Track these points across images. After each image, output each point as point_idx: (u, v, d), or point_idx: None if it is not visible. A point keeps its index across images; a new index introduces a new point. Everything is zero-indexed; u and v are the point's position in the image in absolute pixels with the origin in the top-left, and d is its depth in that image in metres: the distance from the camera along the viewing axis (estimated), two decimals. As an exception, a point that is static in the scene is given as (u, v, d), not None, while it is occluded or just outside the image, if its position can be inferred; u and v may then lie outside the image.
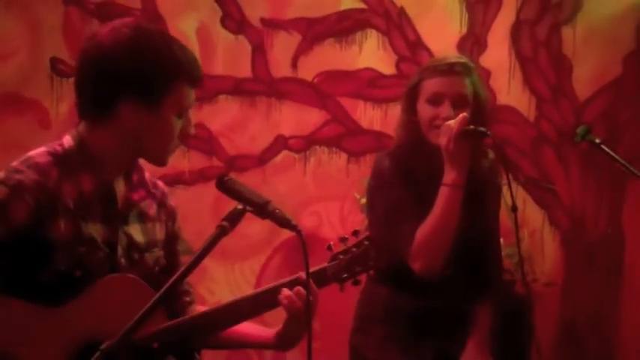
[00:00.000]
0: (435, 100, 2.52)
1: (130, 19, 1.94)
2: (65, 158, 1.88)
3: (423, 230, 2.47)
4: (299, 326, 1.93)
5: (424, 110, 2.54)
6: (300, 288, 1.90)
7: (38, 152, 1.88)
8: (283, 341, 1.99)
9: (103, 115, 1.87)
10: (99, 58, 1.85)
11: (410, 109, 2.58)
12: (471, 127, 2.40)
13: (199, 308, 2.10)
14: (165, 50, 1.85)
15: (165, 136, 1.90)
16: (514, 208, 2.37)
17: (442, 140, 2.42)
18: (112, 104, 1.85)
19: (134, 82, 1.83)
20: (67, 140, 1.91)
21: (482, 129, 2.40)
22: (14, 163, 1.85)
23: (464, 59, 2.62)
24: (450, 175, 2.44)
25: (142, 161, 2.02)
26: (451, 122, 2.41)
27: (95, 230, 1.88)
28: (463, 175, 2.44)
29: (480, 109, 2.54)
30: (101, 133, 1.89)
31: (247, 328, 2.03)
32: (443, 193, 2.45)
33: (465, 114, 2.41)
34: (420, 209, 2.48)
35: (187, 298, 2.12)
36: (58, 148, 1.89)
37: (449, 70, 2.52)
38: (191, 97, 1.91)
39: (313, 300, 1.88)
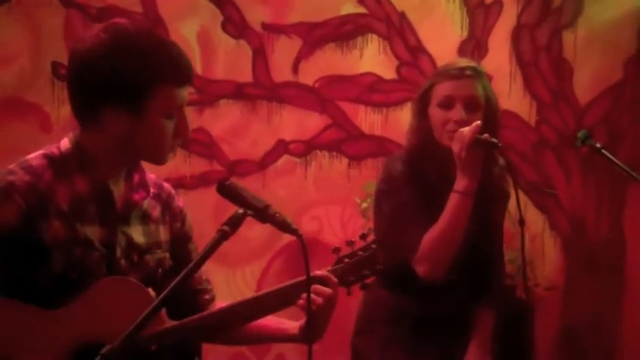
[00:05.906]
0: (447, 104, 2.51)
1: (115, 21, 1.90)
2: (61, 161, 1.89)
3: (431, 235, 2.47)
4: (321, 322, 1.94)
5: (436, 115, 2.54)
6: (317, 286, 1.90)
7: (34, 155, 1.90)
8: (308, 335, 1.96)
9: (91, 121, 1.88)
10: (77, 67, 1.86)
11: (421, 114, 2.58)
12: (485, 135, 2.39)
13: (220, 304, 2.09)
14: (145, 54, 1.82)
15: (156, 138, 1.89)
16: (521, 222, 2.35)
17: (455, 147, 2.41)
18: (95, 112, 1.85)
19: (113, 90, 1.82)
20: (64, 143, 1.92)
21: (494, 140, 2.38)
22: (10, 166, 1.87)
23: (474, 64, 2.62)
24: (461, 183, 2.44)
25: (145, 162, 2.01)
26: (465, 129, 2.40)
27: (92, 232, 1.88)
28: (475, 183, 2.44)
29: (492, 113, 2.54)
30: (93, 137, 1.89)
31: (266, 320, 2.01)
32: (453, 199, 2.45)
33: (479, 122, 2.41)
34: (430, 213, 2.48)
35: (207, 296, 2.12)
36: (55, 151, 1.91)
37: (460, 73, 2.53)
38: (181, 97, 1.88)
39: (333, 297, 1.91)
